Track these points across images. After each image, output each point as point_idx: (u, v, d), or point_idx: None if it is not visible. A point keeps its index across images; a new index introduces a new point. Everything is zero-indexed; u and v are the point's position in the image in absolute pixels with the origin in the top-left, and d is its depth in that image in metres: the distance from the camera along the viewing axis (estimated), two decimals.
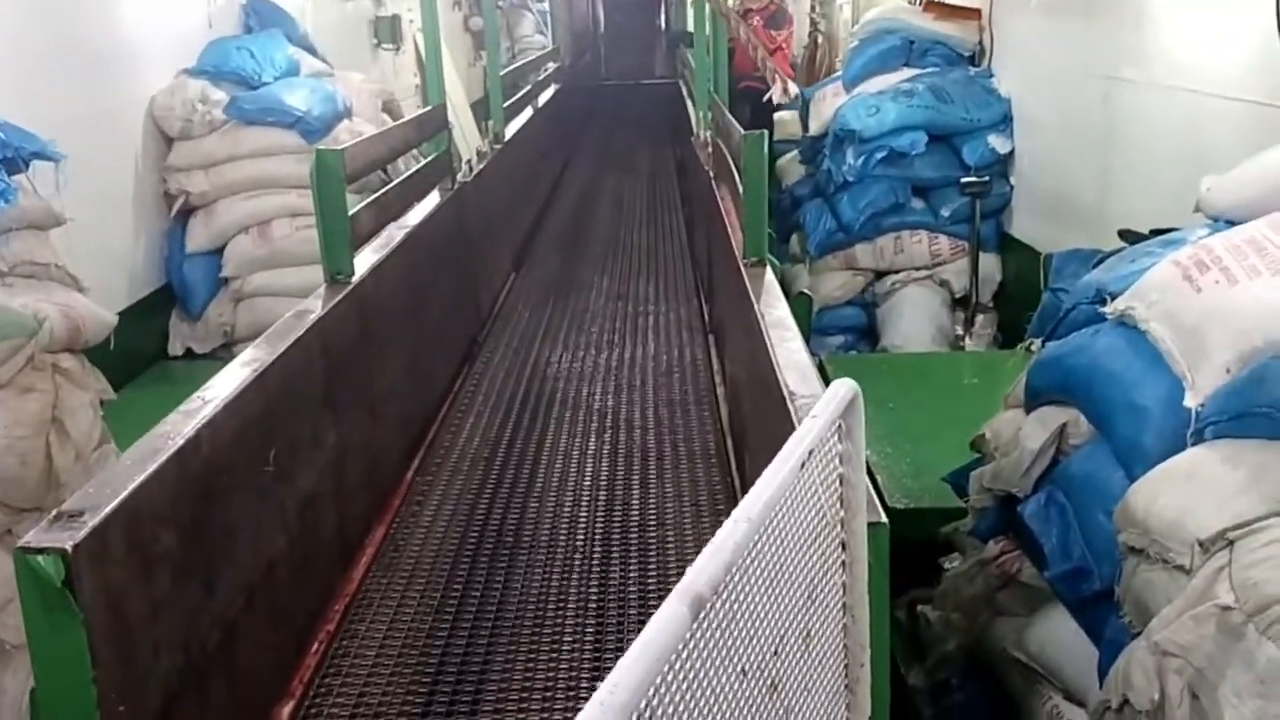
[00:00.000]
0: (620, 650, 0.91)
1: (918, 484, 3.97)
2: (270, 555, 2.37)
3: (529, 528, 3.15)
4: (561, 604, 2.74)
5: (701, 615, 1.07)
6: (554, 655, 2.53)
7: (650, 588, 2.74)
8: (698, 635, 1.07)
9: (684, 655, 1.05)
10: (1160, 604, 2.06)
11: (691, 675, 1.08)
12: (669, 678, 1.02)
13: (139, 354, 5.25)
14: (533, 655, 2.54)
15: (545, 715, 2.30)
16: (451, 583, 2.86)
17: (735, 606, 1.19)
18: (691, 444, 3.64)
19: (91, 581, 1.65)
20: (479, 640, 2.61)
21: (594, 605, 2.72)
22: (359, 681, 2.47)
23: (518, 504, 3.29)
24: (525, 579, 2.87)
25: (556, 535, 3.09)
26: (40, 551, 1.60)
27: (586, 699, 0.88)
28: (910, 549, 2.20)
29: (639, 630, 0.99)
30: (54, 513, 1.69)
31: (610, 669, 0.92)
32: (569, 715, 2.23)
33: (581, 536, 3.07)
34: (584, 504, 3.27)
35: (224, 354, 5.50)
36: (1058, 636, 2.71)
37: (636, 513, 3.18)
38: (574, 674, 2.44)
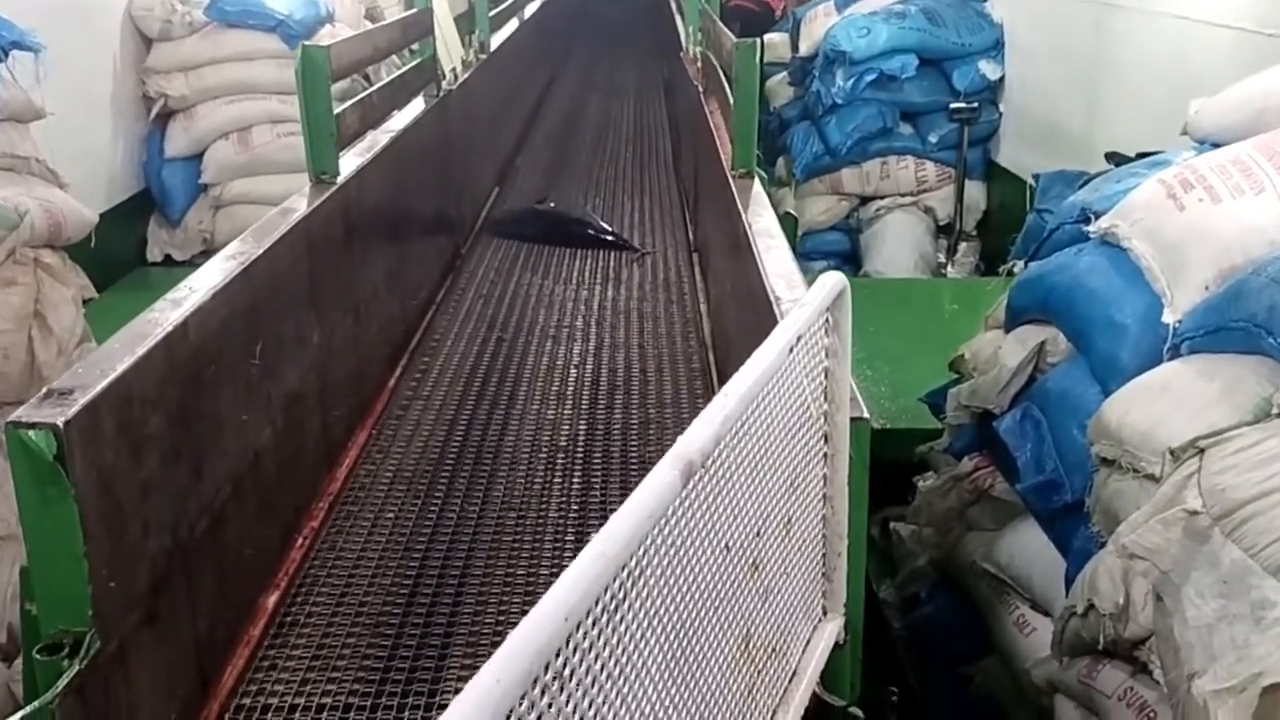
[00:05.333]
0: None
1: (895, 406, 4.03)
2: (256, 448, 2.39)
3: (511, 432, 3.18)
4: (543, 505, 2.78)
5: (690, 484, 1.10)
6: (535, 552, 2.58)
7: (632, 489, 2.78)
8: (686, 502, 1.11)
9: (673, 520, 1.08)
10: (1129, 513, 2.11)
11: (679, 541, 1.11)
12: (658, 540, 1.05)
13: (117, 259, 5.22)
14: (515, 553, 2.59)
15: (529, 605, 2.34)
16: (435, 484, 2.90)
17: (722, 482, 1.22)
18: (675, 356, 3.68)
19: (82, 457, 1.66)
20: (461, 539, 2.65)
21: (575, 505, 2.77)
22: (344, 574, 2.51)
23: (500, 410, 3.32)
24: (508, 481, 2.91)
25: (539, 440, 3.13)
26: (32, 426, 1.61)
27: None
28: (886, 468, 2.25)
29: None
30: (44, 390, 1.70)
31: None
32: None
33: (564, 441, 3.11)
34: (566, 410, 3.31)
35: (203, 261, 5.44)
36: (1027, 548, 2.79)
37: (618, 420, 3.22)
38: (556, 568, 2.49)
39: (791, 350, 1.36)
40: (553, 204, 5.43)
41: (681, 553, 1.11)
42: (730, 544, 1.27)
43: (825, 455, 1.59)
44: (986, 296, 3.43)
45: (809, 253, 6.73)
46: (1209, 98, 2.85)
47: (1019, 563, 2.81)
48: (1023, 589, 2.79)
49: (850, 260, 6.93)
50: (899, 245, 6.57)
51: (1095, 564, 2.15)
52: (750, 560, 1.35)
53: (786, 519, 1.48)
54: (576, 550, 2.56)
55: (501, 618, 2.36)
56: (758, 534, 1.37)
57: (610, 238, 4.90)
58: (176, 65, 5.56)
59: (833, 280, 1.51)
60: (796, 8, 7.67)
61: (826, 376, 1.56)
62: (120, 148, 5.48)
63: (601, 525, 2.63)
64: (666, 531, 1.06)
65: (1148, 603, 1.99)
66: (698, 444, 1.10)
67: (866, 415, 1.66)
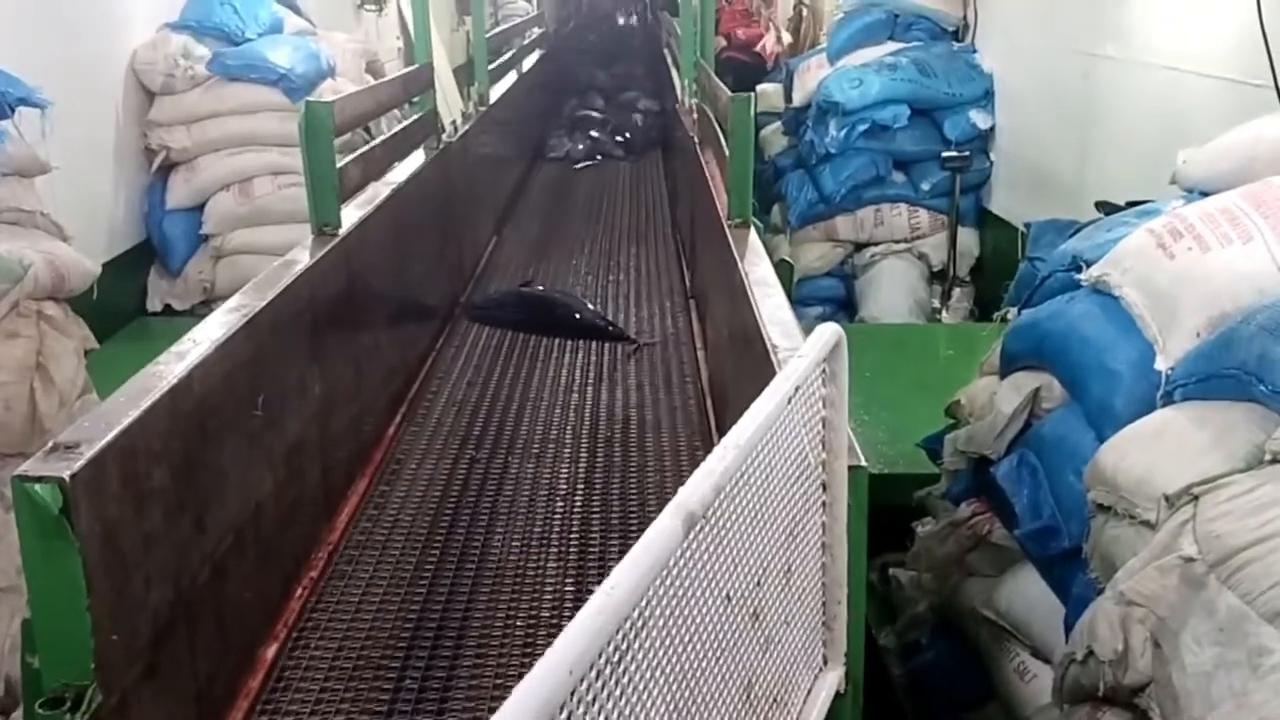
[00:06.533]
0: None
1: (893, 451, 4.04)
2: (257, 499, 2.40)
3: (510, 482, 3.19)
4: (542, 554, 2.79)
5: (692, 534, 1.12)
6: (535, 602, 2.58)
7: (631, 538, 2.79)
8: (688, 553, 1.12)
9: (675, 570, 1.09)
10: (1126, 559, 2.12)
11: (681, 592, 1.13)
12: (660, 591, 1.07)
13: (118, 309, 5.23)
14: (514, 603, 2.59)
15: (527, 658, 2.35)
16: (434, 533, 2.90)
17: (723, 532, 1.24)
18: (672, 403, 3.69)
19: (87, 511, 1.67)
20: (461, 588, 2.65)
21: (574, 556, 2.77)
22: (343, 625, 2.51)
23: (499, 459, 3.33)
24: (506, 531, 2.91)
25: (537, 490, 3.13)
26: (38, 480, 1.63)
27: None
28: (884, 514, 2.25)
29: None
30: (50, 444, 1.71)
31: None
32: None
33: (563, 490, 3.12)
34: (565, 460, 3.32)
35: (203, 310, 5.48)
36: (1026, 595, 2.79)
37: (617, 469, 3.23)
38: (555, 619, 2.49)
39: (789, 401, 1.38)
40: (540, 287, 4.96)
41: (683, 603, 1.13)
42: (731, 594, 1.28)
43: (824, 504, 1.61)
44: (981, 342, 3.47)
45: (804, 299, 6.78)
46: (1197, 148, 2.90)
47: (1018, 608, 2.81)
48: (1022, 635, 2.79)
49: (845, 306, 6.98)
50: (894, 291, 6.62)
51: (1093, 610, 2.15)
52: (751, 610, 1.36)
53: (786, 568, 1.49)
54: (576, 599, 2.58)
55: (500, 667, 2.35)
56: (758, 583, 1.38)
57: (604, 325, 4.42)
58: (179, 118, 5.62)
59: (829, 332, 1.54)
60: (789, 59, 7.80)
61: (824, 426, 1.58)
62: (121, 199, 5.52)
63: (601, 573, 2.64)
64: (668, 583, 1.08)
65: (1146, 649, 1.99)
66: (698, 495, 1.12)
67: (864, 464, 1.68)
